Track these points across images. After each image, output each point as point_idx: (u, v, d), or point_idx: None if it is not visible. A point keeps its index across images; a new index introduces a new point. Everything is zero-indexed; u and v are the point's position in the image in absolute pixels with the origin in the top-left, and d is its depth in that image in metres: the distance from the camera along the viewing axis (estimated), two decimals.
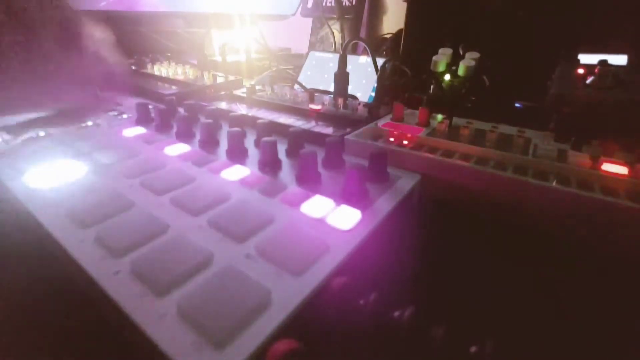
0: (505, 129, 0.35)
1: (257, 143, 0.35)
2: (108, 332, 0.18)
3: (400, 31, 0.65)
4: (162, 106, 0.41)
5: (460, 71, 0.42)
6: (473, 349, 0.15)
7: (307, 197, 0.26)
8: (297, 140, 0.33)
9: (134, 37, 0.83)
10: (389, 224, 0.24)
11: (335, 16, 0.89)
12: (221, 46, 0.81)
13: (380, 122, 0.37)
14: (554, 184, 0.25)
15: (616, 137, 0.30)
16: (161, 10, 0.74)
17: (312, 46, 0.98)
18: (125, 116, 0.45)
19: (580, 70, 0.38)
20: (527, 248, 0.25)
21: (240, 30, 0.84)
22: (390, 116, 0.39)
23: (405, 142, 0.33)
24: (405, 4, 0.59)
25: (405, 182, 0.29)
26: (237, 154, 0.33)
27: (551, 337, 0.19)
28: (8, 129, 0.38)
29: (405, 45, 0.59)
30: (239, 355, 0.14)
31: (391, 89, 0.50)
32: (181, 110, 0.44)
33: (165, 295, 0.17)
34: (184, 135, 0.37)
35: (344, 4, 0.88)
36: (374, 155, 0.28)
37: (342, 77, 0.46)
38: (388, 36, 0.82)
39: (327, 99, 0.45)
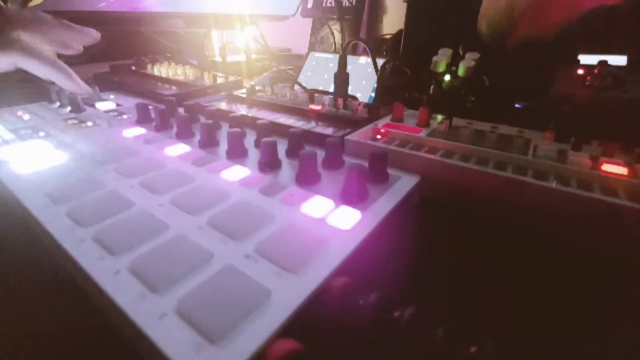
0: (505, 129, 0.35)
1: (257, 143, 0.35)
2: (108, 332, 0.18)
3: (400, 31, 0.65)
4: (162, 106, 0.41)
5: (460, 71, 0.42)
6: (473, 349, 0.15)
7: (307, 198, 0.26)
8: (297, 140, 0.33)
9: (134, 37, 0.83)
10: (388, 224, 0.24)
11: (335, 17, 0.89)
12: (221, 46, 0.81)
13: (380, 123, 0.37)
14: (554, 184, 0.25)
15: (616, 137, 0.30)
16: (161, 11, 0.74)
17: (312, 46, 0.98)
18: (125, 116, 0.45)
19: (580, 71, 0.38)
20: (527, 248, 0.25)
21: (240, 30, 0.84)
22: (390, 117, 0.39)
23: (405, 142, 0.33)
24: (405, 4, 0.59)
25: (405, 183, 0.29)
26: (237, 154, 0.33)
27: (551, 337, 0.19)
28: (8, 129, 0.38)
29: (405, 45, 0.59)
30: (239, 356, 0.14)
31: (391, 89, 0.50)
32: (181, 110, 0.44)
33: (165, 296, 0.17)
34: (184, 136, 0.37)
35: (344, 4, 0.88)
36: (374, 156, 0.28)
37: (342, 78, 0.46)
38: (388, 36, 0.82)
39: (327, 99, 0.45)
